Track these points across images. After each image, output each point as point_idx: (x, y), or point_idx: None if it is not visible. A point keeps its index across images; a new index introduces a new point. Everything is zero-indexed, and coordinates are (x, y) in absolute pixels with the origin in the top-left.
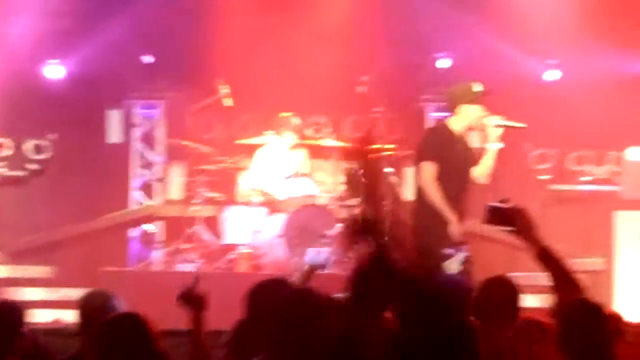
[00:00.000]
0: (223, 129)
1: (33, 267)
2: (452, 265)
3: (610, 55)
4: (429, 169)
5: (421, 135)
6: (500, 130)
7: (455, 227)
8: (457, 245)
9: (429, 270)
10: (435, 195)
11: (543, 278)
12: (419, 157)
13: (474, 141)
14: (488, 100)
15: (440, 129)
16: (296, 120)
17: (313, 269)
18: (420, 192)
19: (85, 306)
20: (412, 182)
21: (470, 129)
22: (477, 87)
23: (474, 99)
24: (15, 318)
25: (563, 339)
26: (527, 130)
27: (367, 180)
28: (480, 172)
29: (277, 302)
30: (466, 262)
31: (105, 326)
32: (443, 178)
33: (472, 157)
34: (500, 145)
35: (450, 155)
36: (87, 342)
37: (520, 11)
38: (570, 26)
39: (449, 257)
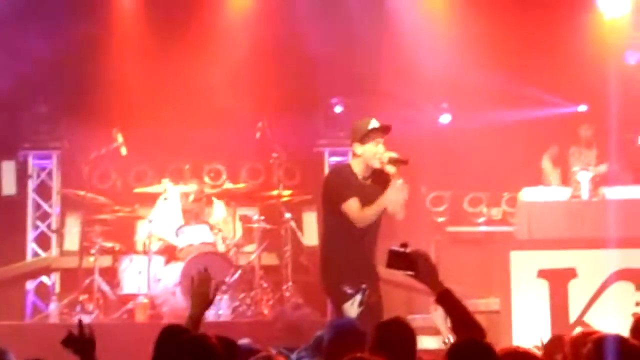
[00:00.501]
0: (119, 177)
1: None
2: (352, 309)
3: (502, 99)
4: (355, 204)
5: (325, 179)
6: (393, 167)
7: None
8: (358, 286)
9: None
10: (371, 211)
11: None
12: (336, 201)
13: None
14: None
15: (343, 169)
16: (188, 171)
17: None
18: (327, 234)
19: None
20: (316, 226)
21: (369, 166)
22: (372, 124)
23: (369, 135)
24: None
25: None
26: (422, 173)
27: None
28: (393, 208)
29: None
30: (367, 301)
31: None
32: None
33: (373, 194)
34: (400, 180)
35: (357, 195)
36: None
37: (415, 55)
38: (461, 69)
39: (350, 296)
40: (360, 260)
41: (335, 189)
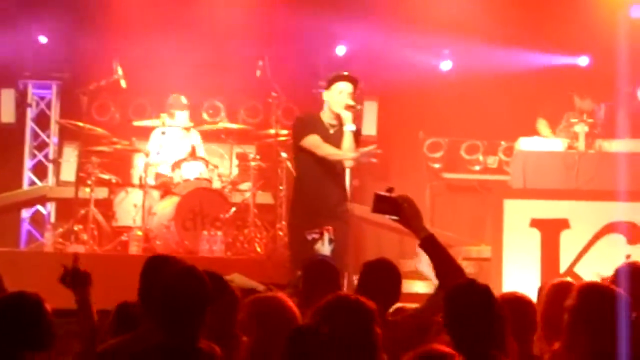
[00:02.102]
0: (118, 110)
1: None
2: (324, 248)
3: (503, 48)
4: (314, 138)
5: (292, 123)
6: (350, 113)
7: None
8: (322, 229)
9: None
10: (329, 149)
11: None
12: (298, 138)
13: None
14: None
15: (310, 115)
16: (184, 100)
17: None
18: (296, 181)
19: None
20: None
21: (334, 114)
22: (342, 73)
23: (332, 82)
24: None
25: (451, 321)
26: (420, 119)
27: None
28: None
29: (162, 278)
30: (331, 243)
31: (1, 305)
32: (316, 161)
33: (336, 141)
34: (353, 127)
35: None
36: None
37: (415, 1)
38: (463, 16)
39: (316, 240)
40: (322, 201)
41: (298, 129)
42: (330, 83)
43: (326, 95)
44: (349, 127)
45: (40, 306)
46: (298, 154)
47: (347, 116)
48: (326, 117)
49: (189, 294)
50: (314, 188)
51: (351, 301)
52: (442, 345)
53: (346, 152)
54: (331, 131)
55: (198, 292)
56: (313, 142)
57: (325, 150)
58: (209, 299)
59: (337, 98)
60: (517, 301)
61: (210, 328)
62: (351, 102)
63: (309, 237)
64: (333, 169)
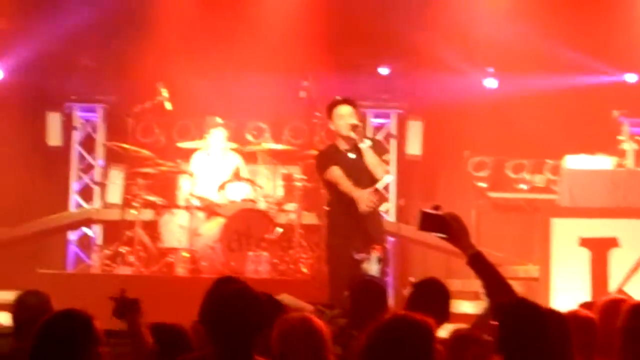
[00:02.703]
0: (163, 132)
1: None
2: (372, 268)
3: (549, 65)
4: (333, 171)
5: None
6: (357, 132)
7: (362, 199)
8: (368, 249)
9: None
10: (345, 187)
11: (479, 284)
12: (320, 172)
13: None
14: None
15: (327, 147)
16: (219, 120)
17: None
18: (329, 205)
19: (20, 306)
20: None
21: (346, 138)
22: (336, 99)
23: (331, 110)
24: None
25: (502, 339)
26: (465, 138)
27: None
28: (374, 171)
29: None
30: (380, 262)
31: (51, 321)
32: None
33: (359, 163)
34: (367, 143)
35: (338, 165)
36: (21, 341)
37: (461, 19)
38: (508, 34)
39: (362, 261)
40: (356, 226)
41: (318, 162)
42: (329, 112)
43: (331, 125)
44: (363, 145)
45: (90, 323)
46: (325, 183)
47: (356, 136)
48: (341, 144)
49: (244, 314)
50: (346, 212)
51: (409, 319)
52: None
53: (352, 191)
54: (350, 155)
55: (253, 313)
56: (332, 176)
57: (342, 186)
58: (265, 319)
59: (340, 123)
60: (579, 319)
61: (265, 348)
62: (354, 121)
63: (357, 257)
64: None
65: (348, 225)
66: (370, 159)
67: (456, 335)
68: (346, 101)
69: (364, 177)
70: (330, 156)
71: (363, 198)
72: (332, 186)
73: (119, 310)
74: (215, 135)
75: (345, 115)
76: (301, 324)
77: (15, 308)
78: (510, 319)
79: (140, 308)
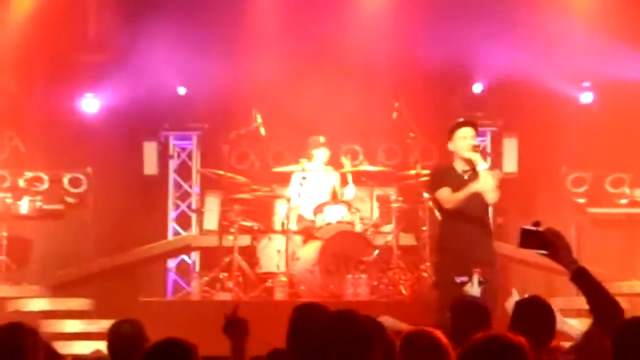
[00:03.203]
0: (258, 158)
1: (72, 299)
2: (473, 290)
3: None
4: (444, 192)
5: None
6: (476, 154)
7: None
8: (470, 272)
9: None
10: (459, 195)
11: (581, 302)
12: (432, 191)
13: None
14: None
15: (442, 164)
16: (322, 139)
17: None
18: (441, 224)
19: (114, 335)
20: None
21: (465, 160)
22: (459, 121)
23: (453, 132)
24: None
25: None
26: (563, 153)
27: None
28: (486, 195)
29: (318, 325)
30: (481, 285)
31: (153, 352)
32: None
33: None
34: (486, 165)
35: (452, 185)
36: None
37: (553, 34)
38: (603, 47)
39: (465, 283)
40: (467, 248)
41: (432, 181)
42: (451, 133)
43: (451, 145)
44: (481, 167)
45: (191, 352)
46: (435, 202)
47: (476, 158)
48: (458, 165)
49: (350, 338)
50: (458, 234)
51: (502, 339)
52: None
53: (469, 187)
54: (465, 177)
55: (359, 337)
56: (443, 196)
57: (455, 198)
58: (369, 344)
59: (461, 144)
60: None
61: None
62: (475, 143)
63: (458, 280)
64: (476, 217)
65: (459, 246)
66: (486, 181)
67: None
68: (468, 123)
69: (475, 201)
70: (443, 175)
71: (486, 182)
72: (441, 209)
73: (229, 327)
74: (318, 155)
75: (467, 136)
76: (427, 339)
77: (110, 337)
78: (623, 336)
79: (248, 331)
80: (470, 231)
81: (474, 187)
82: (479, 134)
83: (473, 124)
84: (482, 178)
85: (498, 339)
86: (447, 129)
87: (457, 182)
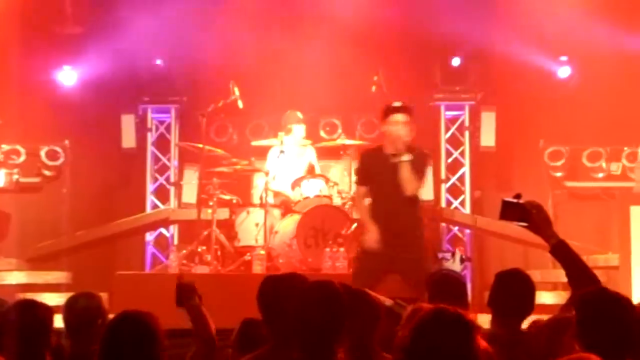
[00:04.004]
0: (236, 131)
1: (50, 272)
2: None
3: (623, 48)
4: (360, 190)
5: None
6: (399, 145)
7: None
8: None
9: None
10: (361, 213)
11: (558, 275)
12: (355, 175)
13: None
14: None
15: (371, 149)
16: (299, 115)
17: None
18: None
19: (68, 309)
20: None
21: (390, 142)
22: (393, 104)
23: (385, 114)
24: (47, 316)
25: (583, 328)
26: (540, 127)
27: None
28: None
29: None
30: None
31: (114, 325)
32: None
33: (396, 169)
34: (407, 157)
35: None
36: (78, 346)
37: (531, 8)
38: (580, 22)
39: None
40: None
41: (358, 166)
42: (384, 115)
43: (383, 127)
44: (404, 158)
45: (151, 325)
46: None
47: (402, 147)
48: (388, 148)
49: (326, 309)
50: (376, 212)
51: (447, 312)
52: (592, 355)
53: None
54: (392, 160)
55: (335, 307)
56: (356, 193)
57: (359, 209)
58: (346, 313)
59: (390, 129)
60: None
61: (350, 343)
62: (404, 132)
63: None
64: (392, 203)
65: (378, 224)
66: (402, 174)
67: (552, 322)
68: (402, 109)
69: (400, 186)
70: (370, 160)
71: (405, 174)
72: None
73: (178, 297)
74: (295, 131)
75: (398, 122)
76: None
77: (64, 311)
78: (591, 308)
79: (196, 295)
80: (388, 210)
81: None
82: (413, 120)
83: (407, 110)
84: (401, 170)
85: (444, 312)
86: (382, 110)
87: (384, 167)
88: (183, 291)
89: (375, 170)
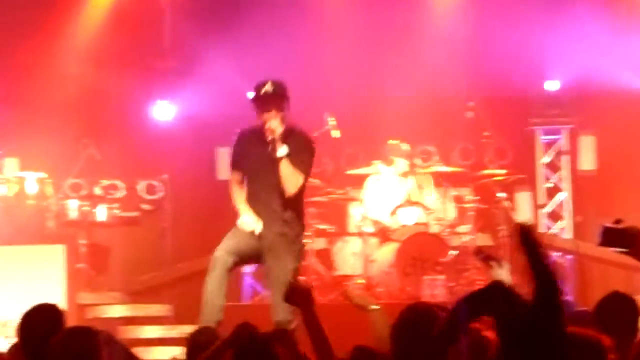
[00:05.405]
0: (330, 161)
1: (151, 305)
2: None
3: None
4: (234, 176)
5: None
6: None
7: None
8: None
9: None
10: (235, 200)
11: None
12: (230, 160)
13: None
14: None
15: (251, 128)
16: (406, 147)
17: None
18: None
19: (192, 343)
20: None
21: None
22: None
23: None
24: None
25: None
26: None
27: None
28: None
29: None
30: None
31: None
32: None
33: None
34: (282, 152)
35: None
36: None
37: (630, 30)
38: None
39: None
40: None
41: (233, 147)
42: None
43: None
44: (281, 152)
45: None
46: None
47: (278, 138)
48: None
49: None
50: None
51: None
52: None
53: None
54: (269, 149)
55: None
56: (231, 178)
57: (234, 198)
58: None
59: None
60: None
61: None
62: (275, 124)
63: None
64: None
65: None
66: (282, 170)
67: None
68: (269, 104)
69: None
70: (247, 141)
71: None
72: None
73: (290, 294)
74: (398, 163)
75: (272, 118)
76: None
77: (188, 345)
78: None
79: (312, 299)
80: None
81: (240, 210)
82: (284, 102)
83: (274, 103)
84: (282, 167)
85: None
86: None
87: (260, 154)
88: (299, 290)
89: (251, 158)
